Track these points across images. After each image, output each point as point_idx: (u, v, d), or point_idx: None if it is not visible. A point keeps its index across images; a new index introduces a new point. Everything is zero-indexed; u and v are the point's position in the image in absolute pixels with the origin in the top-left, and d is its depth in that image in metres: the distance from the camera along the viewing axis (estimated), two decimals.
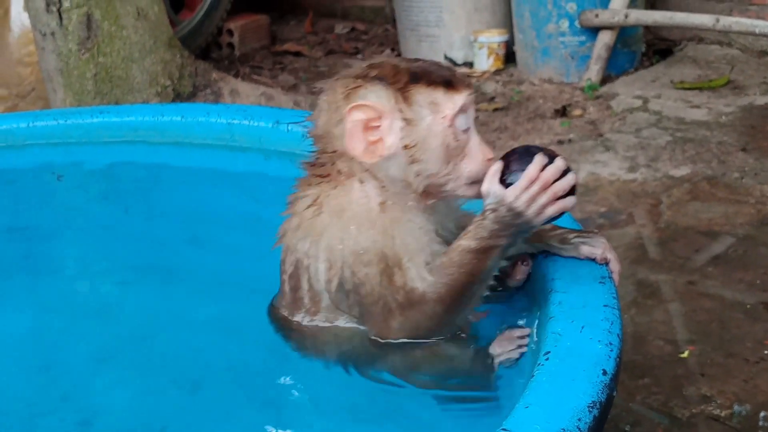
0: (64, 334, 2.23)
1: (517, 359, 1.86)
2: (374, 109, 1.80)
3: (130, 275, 2.49)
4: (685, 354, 2.75)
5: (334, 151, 1.87)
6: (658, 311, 2.97)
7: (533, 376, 1.51)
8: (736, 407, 2.51)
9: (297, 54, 6.18)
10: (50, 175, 2.99)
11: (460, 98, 1.82)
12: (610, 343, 1.57)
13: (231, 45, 6.15)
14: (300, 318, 1.97)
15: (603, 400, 1.46)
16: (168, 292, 2.39)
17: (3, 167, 2.99)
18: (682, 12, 4.96)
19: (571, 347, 1.57)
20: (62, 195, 2.97)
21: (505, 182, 1.77)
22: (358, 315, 1.89)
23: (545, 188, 1.75)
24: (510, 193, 1.75)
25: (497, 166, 1.79)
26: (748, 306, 2.96)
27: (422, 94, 1.81)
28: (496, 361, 1.86)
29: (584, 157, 4.20)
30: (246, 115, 2.80)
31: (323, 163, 1.91)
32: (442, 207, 1.92)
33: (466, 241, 1.79)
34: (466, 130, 1.84)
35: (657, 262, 3.28)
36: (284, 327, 2.02)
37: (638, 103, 4.76)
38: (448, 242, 1.87)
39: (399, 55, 5.95)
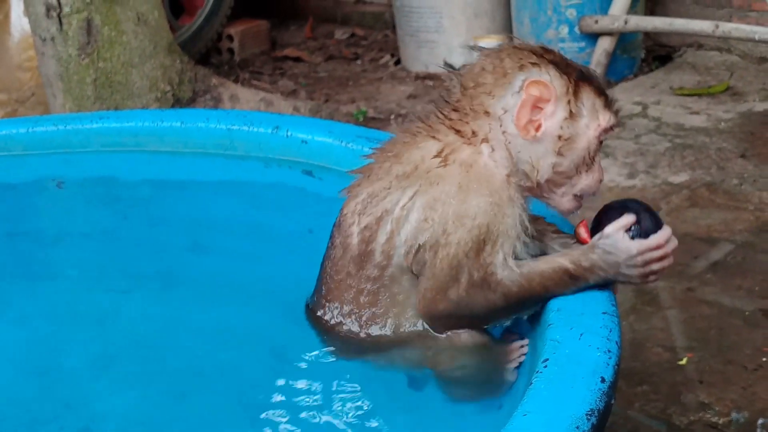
0: (64, 340, 2.24)
1: (517, 368, 1.88)
2: (550, 91, 1.81)
3: (130, 282, 2.50)
4: (684, 361, 2.76)
5: (485, 112, 1.86)
6: (656, 318, 2.98)
7: (531, 383, 1.52)
8: (734, 415, 2.52)
9: (297, 59, 6.19)
10: (50, 182, 3.00)
11: (614, 119, 1.88)
12: (609, 351, 1.57)
13: (231, 50, 6.16)
14: (355, 279, 1.91)
15: (601, 407, 1.47)
16: (168, 299, 2.39)
17: (3, 173, 3.00)
18: (682, 18, 4.97)
19: (570, 354, 1.57)
20: (62, 201, 2.98)
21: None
22: (419, 275, 1.85)
23: (662, 258, 1.83)
24: (635, 246, 1.81)
25: (631, 219, 1.83)
26: (747, 313, 2.97)
27: (589, 95, 1.85)
28: (516, 361, 1.89)
29: None
30: (246, 121, 2.81)
31: (456, 117, 1.89)
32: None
33: (564, 260, 1.82)
34: (601, 144, 1.89)
35: None
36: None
37: (638, 109, 4.77)
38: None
39: (398, 61, 5.96)
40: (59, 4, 4.28)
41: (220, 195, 2.84)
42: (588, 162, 1.88)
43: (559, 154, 1.85)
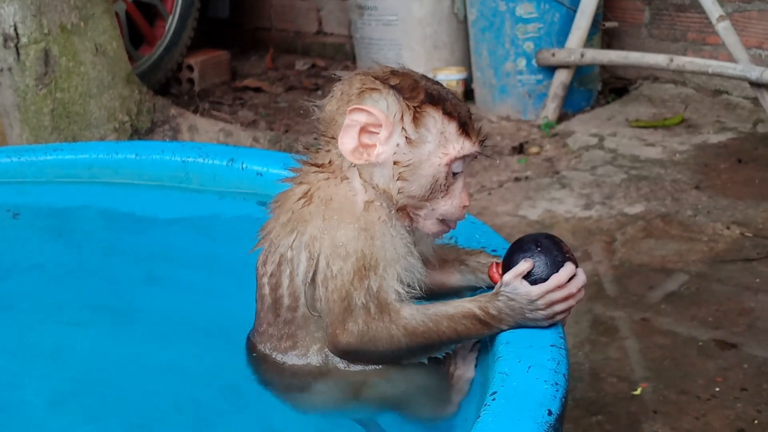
0: (17, 376, 2.21)
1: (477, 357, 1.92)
2: (376, 117, 1.82)
3: (85, 315, 2.47)
4: (639, 391, 2.78)
5: (333, 138, 1.90)
6: (612, 348, 3.01)
7: (479, 416, 1.53)
8: None
9: (257, 90, 6.20)
10: (5, 212, 2.97)
11: (470, 147, 1.86)
12: (556, 383, 1.59)
13: (191, 80, 6.16)
14: (275, 327, 1.96)
15: None
16: (123, 333, 2.37)
17: None
18: (637, 51, 5.06)
19: (518, 387, 1.59)
20: (17, 232, 2.95)
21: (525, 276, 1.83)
22: (321, 313, 1.88)
23: (567, 298, 1.82)
24: (535, 291, 1.80)
25: (526, 266, 1.82)
26: (701, 343, 3.00)
27: (434, 120, 1.83)
28: (462, 384, 1.89)
29: (540, 194, 4.24)
30: (201, 153, 2.81)
31: (320, 150, 1.94)
32: (420, 232, 1.94)
33: (471, 305, 1.81)
34: (456, 174, 1.88)
35: (612, 299, 3.32)
36: (256, 351, 2.02)
37: (594, 140, 4.83)
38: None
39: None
40: (17, 34, 4.27)
41: (175, 227, 2.83)
42: (440, 188, 1.86)
43: (401, 178, 1.84)
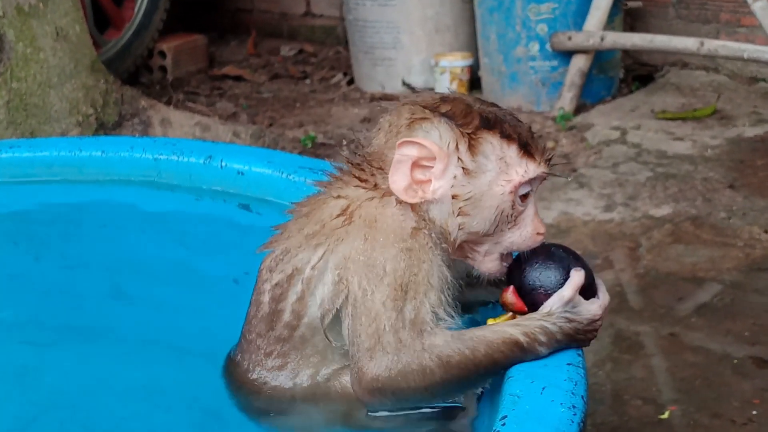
0: None
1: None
2: (429, 150, 1.84)
3: (45, 334, 2.47)
4: (666, 414, 2.79)
5: (381, 169, 1.92)
6: (637, 367, 3.02)
7: None
8: None
9: (238, 78, 6.21)
10: None
11: (535, 169, 1.87)
12: (574, 406, 1.59)
13: (163, 68, 6.17)
14: (264, 340, 1.96)
15: None
16: (89, 354, 2.37)
17: None
18: (664, 34, 5.07)
19: (530, 411, 1.59)
20: None
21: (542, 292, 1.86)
22: (346, 346, 1.89)
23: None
24: (598, 309, 1.84)
25: (582, 276, 1.84)
26: (736, 361, 3.01)
27: (492, 146, 1.85)
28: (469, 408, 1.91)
29: (556, 194, 4.25)
30: (175, 150, 2.81)
31: (360, 175, 1.95)
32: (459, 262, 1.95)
33: (514, 331, 1.81)
34: (525, 198, 1.89)
35: (636, 312, 3.33)
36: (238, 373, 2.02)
37: (616, 134, 4.84)
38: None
39: (352, 81, 6.01)
40: None
41: (145, 233, 2.83)
42: (508, 219, 1.88)
43: (462, 213, 1.86)
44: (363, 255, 1.85)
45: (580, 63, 5.07)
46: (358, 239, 1.86)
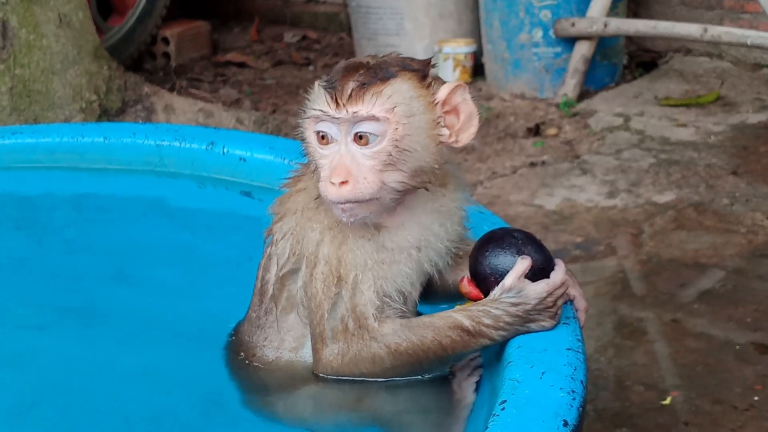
0: None
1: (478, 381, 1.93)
2: None
3: (47, 317, 2.48)
4: (668, 401, 2.79)
5: None
6: (638, 353, 3.02)
7: (487, 427, 1.53)
8: None
9: (241, 65, 6.20)
10: None
11: (323, 104, 1.85)
12: (573, 391, 1.60)
13: (166, 55, 6.16)
14: (256, 313, 2.04)
15: None
16: (90, 337, 2.38)
17: None
18: (667, 21, 5.06)
19: (530, 395, 1.60)
20: None
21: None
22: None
23: (564, 292, 1.86)
24: (544, 288, 1.82)
25: (527, 263, 1.84)
26: (738, 347, 3.01)
27: (317, 88, 1.89)
28: (460, 410, 1.90)
29: (559, 181, 4.25)
30: (177, 136, 2.81)
31: None
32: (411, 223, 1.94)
33: (459, 316, 1.83)
34: (325, 145, 1.86)
35: (639, 298, 3.33)
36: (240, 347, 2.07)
37: (619, 121, 4.83)
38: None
39: None
40: None
41: (147, 218, 2.84)
42: (312, 157, 1.91)
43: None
44: (298, 229, 1.94)
45: (583, 49, 5.06)
46: (295, 212, 1.96)
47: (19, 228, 2.91)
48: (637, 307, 3.27)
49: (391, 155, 1.84)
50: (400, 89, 1.84)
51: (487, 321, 1.81)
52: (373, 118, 1.82)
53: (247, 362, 2.05)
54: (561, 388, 1.60)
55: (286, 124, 4.97)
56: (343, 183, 1.83)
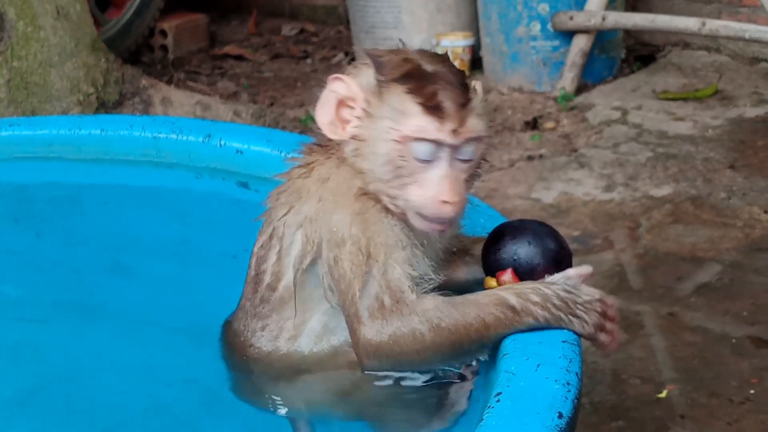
0: None
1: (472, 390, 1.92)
2: (350, 89, 1.88)
3: (45, 309, 2.49)
4: (664, 394, 2.80)
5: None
6: (635, 346, 3.02)
7: (482, 419, 1.54)
8: None
9: (239, 58, 6.20)
10: None
11: (433, 130, 1.82)
12: (568, 383, 1.60)
13: (164, 47, 6.16)
14: (251, 302, 2.01)
15: None
16: (88, 328, 2.39)
17: None
18: (666, 14, 5.05)
19: (525, 387, 1.60)
20: None
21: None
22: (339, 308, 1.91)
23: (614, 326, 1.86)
24: (596, 291, 1.84)
25: (589, 269, 1.88)
26: (734, 340, 3.02)
27: (396, 98, 1.84)
28: (450, 414, 1.91)
29: (556, 174, 4.25)
30: (174, 129, 2.82)
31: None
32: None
33: (505, 293, 1.81)
34: (426, 161, 1.85)
35: (636, 292, 3.33)
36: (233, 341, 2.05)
37: (617, 114, 4.84)
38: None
39: (353, 60, 5.99)
40: None
41: (145, 210, 2.85)
42: (404, 174, 1.85)
43: (360, 156, 1.88)
44: (320, 215, 1.90)
45: (581, 43, 5.06)
46: (313, 198, 1.92)
47: (17, 220, 2.91)
48: (633, 300, 3.27)
49: (476, 170, 1.92)
50: (479, 100, 1.89)
51: (536, 298, 1.79)
52: (479, 139, 1.87)
53: (243, 353, 2.02)
54: (556, 380, 1.60)
55: (284, 116, 4.98)
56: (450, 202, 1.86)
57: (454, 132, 1.82)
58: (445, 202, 1.84)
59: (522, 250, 1.90)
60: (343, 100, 1.89)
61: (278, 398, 2.03)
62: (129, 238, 2.73)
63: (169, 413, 2.07)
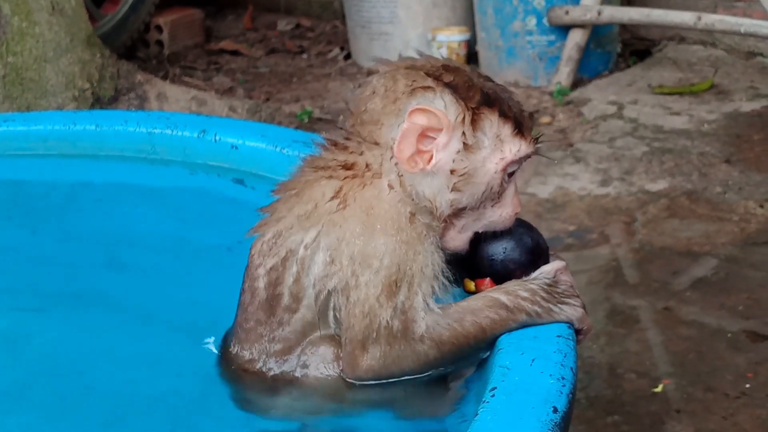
0: None
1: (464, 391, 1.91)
2: (439, 120, 1.82)
3: (41, 304, 2.47)
4: (660, 388, 2.80)
5: (375, 142, 1.88)
6: (631, 340, 3.02)
7: (477, 414, 1.54)
8: None
9: (234, 53, 6.20)
10: None
11: (526, 148, 1.87)
12: (563, 378, 1.60)
13: (160, 43, 6.15)
14: (266, 327, 1.94)
15: None
16: (84, 323, 2.38)
17: None
18: (661, 9, 5.05)
19: (520, 382, 1.60)
20: None
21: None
22: (339, 326, 1.88)
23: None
24: (569, 278, 1.89)
25: (563, 264, 1.90)
26: (730, 335, 3.02)
27: (491, 123, 1.84)
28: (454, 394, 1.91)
29: (552, 169, 4.25)
30: (169, 124, 2.81)
31: (349, 148, 1.91)
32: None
33: (495, 293, 1.83)
34: (511, 176, 1.89)
35: (631, 286, 3.33)
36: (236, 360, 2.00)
37: (612, 109, 4.83)
38: None
39: (349, 55, 5.99)
40: None
41: (140, 206, 2.84)
42: (493, 196, 1.88)
43: (456, 189, 1.86)
44: (359, 240, 1.83)
45: (577, 37, 5.06)
46: (356, 225, 1.84)
47: (13, 217, 2.91)
48: (629, 295, 3.27)
49: None
50: None
51: (524, 294, 1.81)
52: None
53: (262, 378, 1.97)
54: (551, 375, 1.61)
55: (280, 112, 4.97)
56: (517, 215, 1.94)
57: (535, 145, 1.89)
58: (516, 214, 1.92)
59: (499, 251, 1.92)
60: (425, 131, 1.83)
61: (282, 408, 2.00)
62: (124, 233, 2.72)
63: (164, 407, 2.06)
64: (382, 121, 1.87)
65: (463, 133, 1.82)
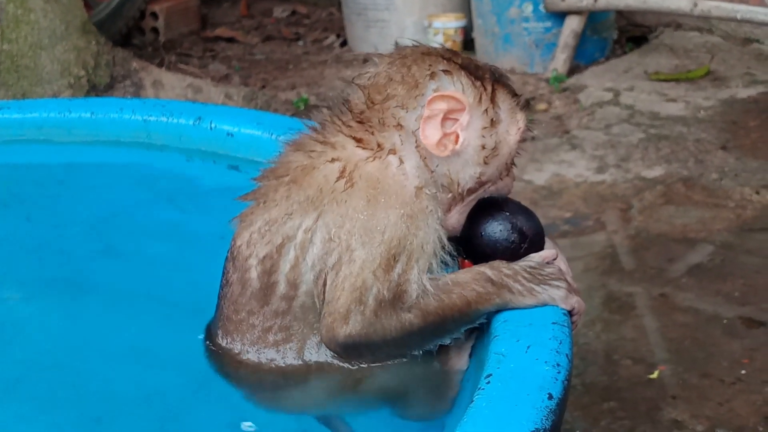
0: None
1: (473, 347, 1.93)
2: (460, 102, 1.87)
3: (34, 292, 2.47)
4: (656, 374, 2.80)
5: (398, 125, 1.89)
6: (627, 327, 3.03)
7: (473, 401, 1.54)
8: None
9: (230, 40, 6.18)
10: None
11: (524, 118, 1.96)
12: (558, 365, 1.60)
13: (155, 30, 6.13)
14: (259, 317, 1.92)
15: (548, 427, 1.49)
16: (78, 312, 2.37)
17: None
18: None
19: (515, 369, 1.60)
20: None
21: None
22: (321, 300, 1.86)
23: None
24: (564, 266, 1.92)
25: (554, 252, 1.93)
26: (726, 321, 3.02)
27: (505, 97, 1.93)
28: (454, 375, 1.90)
29: (548, 156, 4.25)
30: (164, 111, 2.81)
31: (361, 128, 1.91)
32: None
33: (482, 268, 1.85)
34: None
35: (627, 273, 3.34)
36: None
37: (609, 96, 4.83)
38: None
39: (345, 42, 5.98)
40: None
41: (135, 193, 2.84)
42: (509, 167, 1.98)
43: (485, 163, 1.92)
44: (362, 214, 1.83)
45: (573, 24, 5.05)
46: (359, 199, 1.84)
47: (7, 205, 2.90)
48: (625, 281, 3.28)
49: None
50: None
51: (507, 271, 1.83)
52: None
53: (254, 370, 1.95)
54: (546, 362, 1.60)
55: (276, 99, 4.96)
56: None
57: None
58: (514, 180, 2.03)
59: (493, 233, 1.95)
60: (447, 114, 1.87)
61: (282, 399, 1.99)
62: (119, 220, 2.72)
63: (159, 397, 2.05)
64: (407, 105, 1.89)
65: (486, 110, 1.89)
